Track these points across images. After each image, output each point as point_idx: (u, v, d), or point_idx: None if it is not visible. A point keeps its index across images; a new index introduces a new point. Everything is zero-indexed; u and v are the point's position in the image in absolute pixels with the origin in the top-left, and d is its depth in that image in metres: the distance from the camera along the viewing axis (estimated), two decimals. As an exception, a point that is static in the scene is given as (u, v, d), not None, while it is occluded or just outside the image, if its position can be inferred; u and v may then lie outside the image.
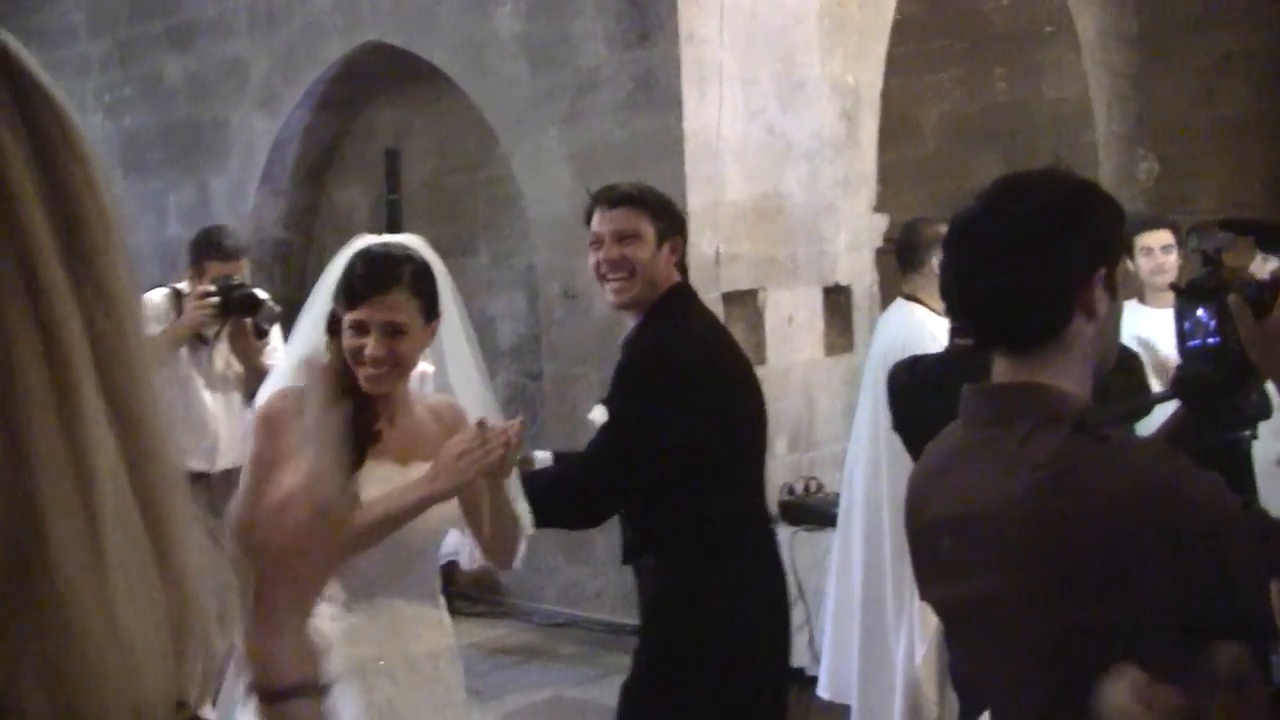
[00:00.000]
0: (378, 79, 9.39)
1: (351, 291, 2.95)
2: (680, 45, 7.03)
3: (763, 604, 3.44)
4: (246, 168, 9.68)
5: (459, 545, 3.43)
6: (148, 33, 10.42)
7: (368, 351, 2.90)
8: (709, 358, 3.42)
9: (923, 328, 5.13)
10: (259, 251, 9.39)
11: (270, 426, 2.73)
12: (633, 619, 6.89)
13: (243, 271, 5.40)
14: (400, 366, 2.97)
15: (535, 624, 7.79)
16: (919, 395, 3.78)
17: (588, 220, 3.59)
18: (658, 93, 7.13)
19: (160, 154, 10.39)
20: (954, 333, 3.77)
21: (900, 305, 5.49)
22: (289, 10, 9.20)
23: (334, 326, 2.98)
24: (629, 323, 3.60)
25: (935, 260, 5.16)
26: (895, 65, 9.02)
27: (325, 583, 1.23)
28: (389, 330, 2.92)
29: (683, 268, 3.61)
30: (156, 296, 5.49)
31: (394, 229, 8.31)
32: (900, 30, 8.90)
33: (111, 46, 10.79)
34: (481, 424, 2.82)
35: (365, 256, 3.03)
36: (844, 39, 7.96)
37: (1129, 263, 5.76)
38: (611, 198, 3.53)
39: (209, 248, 5.46)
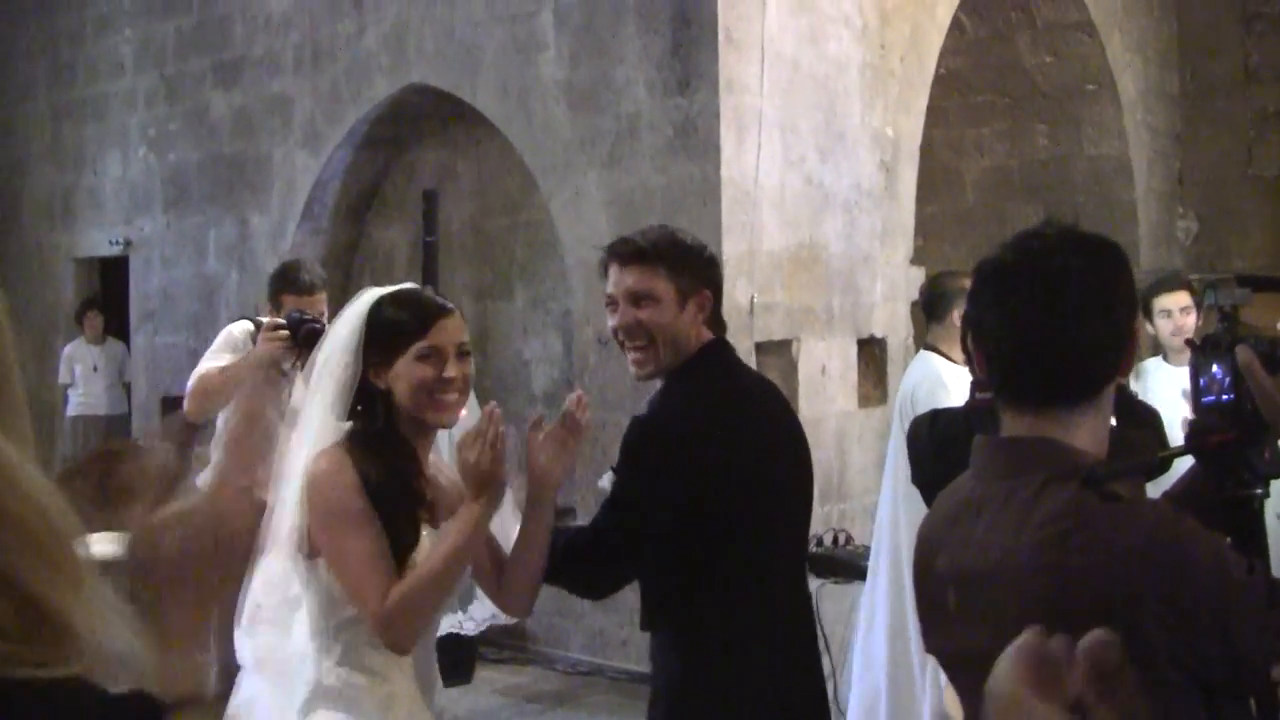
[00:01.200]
0: (420, 120, 9.50)
1: (419, 319, 2.90)
2: (720, 93, 7.10)
3: (787, 678, 3.15)
4: (287, 205, 9.78)
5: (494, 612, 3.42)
6: (195, 69, 10.58)
7: (447, 373, 2.84)
8: (717, 422, 3.08)
9: (937, 377, 5.24)
10: (297, 289, 9.47)
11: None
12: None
13: (319, 306, 5.38)
14: (466, 393, 2.94)
15: (561, 672, 7.78)
16: (940, 450, 3.75)
17: (603, 274, 3.22)
18: (697, 140, 7.18)
19: (202, 189, 10.52)
20: (976, 386, 3.74)
21: (920, 356, 5.63)
22: (335, 50, 9.31)
23: (364, 393, 2.89)
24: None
25: (957, 313, 5.20)
26: (937, 118, 9.08)
27: (217, 600, 1.24)
28: (461, 352, 2.92)
29: (718, 320, 3.20)
30: (237, 329, 5.51)
31: (430, 270, 8.40)
32: (943, 84, 8.95)
33: (158, 81, 10.95)
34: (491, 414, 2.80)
35: (404, 295, 3.00)
36: (885, 91, 8.01)
37: (1147, 324, 5.83)
38: (624, 253, 3.14)
39: (285, 281, 5.48)
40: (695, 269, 3.12)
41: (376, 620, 2.70)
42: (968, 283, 5.33)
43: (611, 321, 3.17)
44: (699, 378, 3.11)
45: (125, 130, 11.30)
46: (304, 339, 5.03)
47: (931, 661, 5.13)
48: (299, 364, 5.26)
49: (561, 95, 7.82)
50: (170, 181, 10.84)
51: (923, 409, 5.07)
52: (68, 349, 11.62)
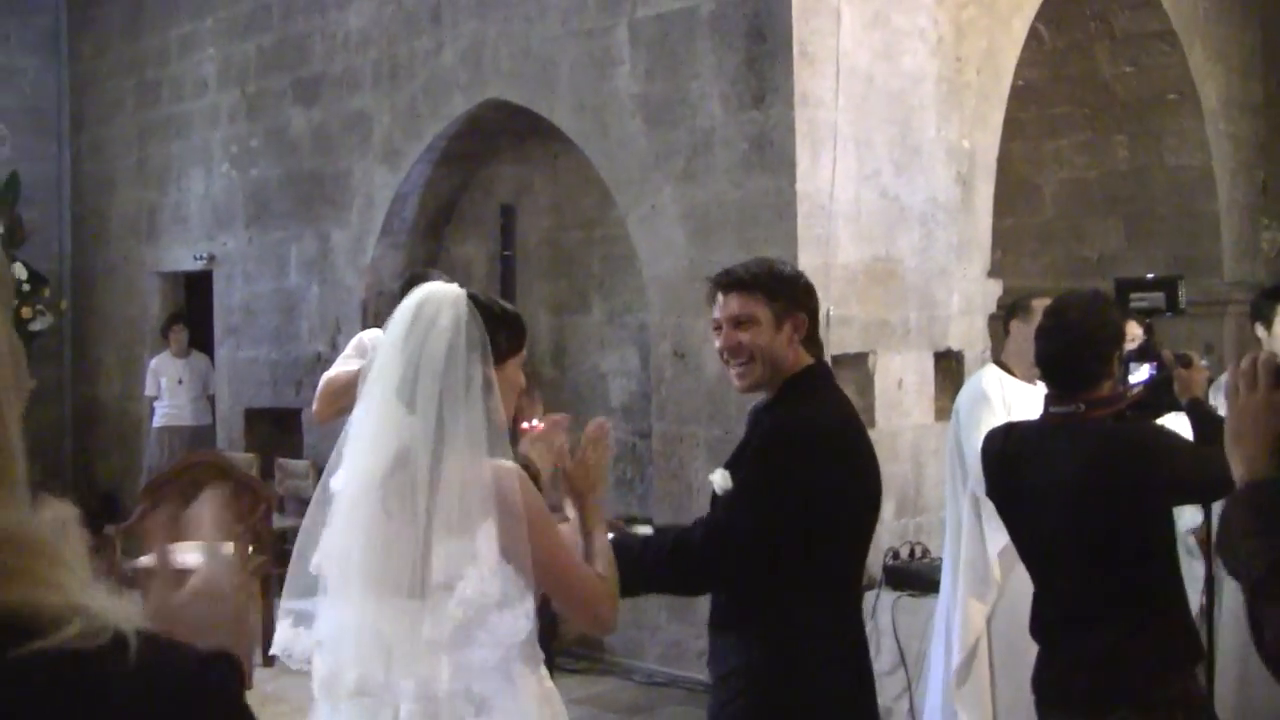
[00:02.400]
0: (498, 136, 9.62)
1: (522, 329, 3.16)
2: (795, 107, 7.16)
3: (848, 679, 3.42)
4: (367, 220, 9.95)
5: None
6: (275, 86, 10.79)
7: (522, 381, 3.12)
8: (844, 440, 3.41)
9: (981, 393, 5.39)
10: (376, 304, 9.63)
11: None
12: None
13: None
14: None
15: (637, 683, 7.84)
16: (1014, 463, 3.84)
17: (709, 301, 3.57)
18: (772, 154, 7.25)
19: (283, 205, 10.73)
20: (1051, 400, 3.79)
21: (979, 371, 5.83)
22: (413, 66, 9.47)
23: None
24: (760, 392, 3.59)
25: (1015, 323, 5.45)
26: (1015, 130, 9.07)
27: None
28: None
29: (815, 343, 3.54)
30: (367, 336, 5.74)
31: (508, 285, 8.52)
32: (1020, 95, 8.95)
33: (240, 99, 11.19)
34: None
35: (503, 307, 3.18)
36: (961, 103, 8.03)
37: (1261, 330, 5.80)
38: (725, 283, 3.50)
39: (412, 290, 5.64)
40: (791, 294, 3.48)
41: (594, 606, 2.95)
42: (1033, 299, 5.45)
43: (718, 343, 3.52)
44: (810, 392, 3.45)
45: (208, 147, 11.54)
46: None
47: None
48: None
49: (637, 110, 7.92)
50: (252, 197, 11.05)
51: (965, 423, 5.36)
52: (153, 362, 11.86)
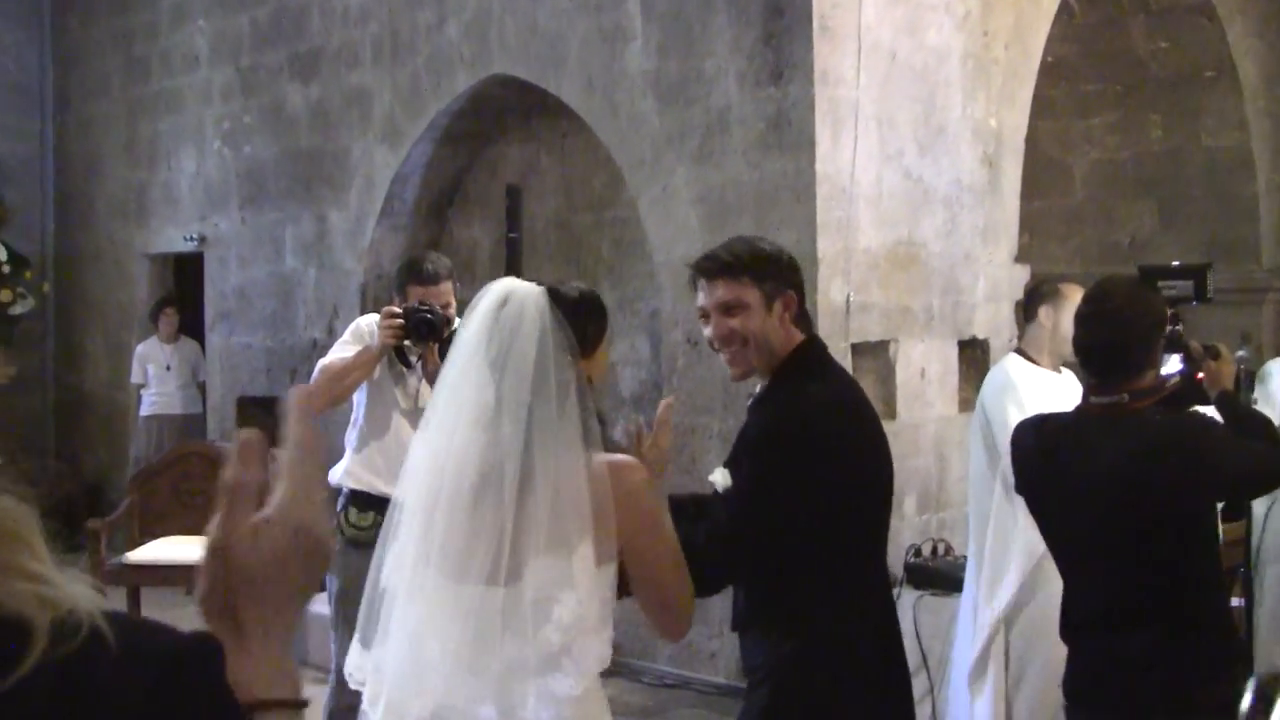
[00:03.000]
0: (503, 114, 9.61)
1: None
2: (815, 85, 7.13)
3: (878, 679, 3.44)
4: (366, 201, 9.94)
5: None
6: (270, 62, 10.78)
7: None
8: (845, 425, 3.40)
9: (1006, 383, 5.37)
10: (376, 289, 9.62)
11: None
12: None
13: (445, 296, 5.59)
14: None
15: (646, 685, 7.85)
16: (1049, 456, 3.81)
17: (693, 289, 3.56)
18: (790, 134, 7.23)
19: (279, 185, 10.73)
20: (1090, 390, 3.77)
21: (1001, 361, 5.78)
22: (414, 41, 9.45)
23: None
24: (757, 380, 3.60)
25: (1043, 312, 5.41)
26: (1043, 109, 9.03)
27: (299, 607, 1.29)
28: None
29: (804, 317, 3.55)
30: (364, 322, 5.75)
31: (514, 269, 8.52)
32: (1050, 72, 8.91)
33: (233, 75, 11.18)
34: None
35: (586, 292, 3.28)
36: (988, 81, 8.01)
37: None
38: (710, 268, 3.48)
39: (410, 273, 5.70)
40: (777, 273, 3.49)
41: (681, 614, 3.01)
42: (1064, 285, 5.42)
43: (707, 332, 3.52)
44: (806, 373, 3.46)
45: (200, 125, 11.54)
46: (414, 327, 5.29)
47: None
48: (422, 357, 5.49)
49: (649, 88, 7.90)
50: (246, 177, 11.05)
51: (992, 415, 5.34)
52: (140, 348, 11.85)
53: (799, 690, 3.34)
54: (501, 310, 2.88)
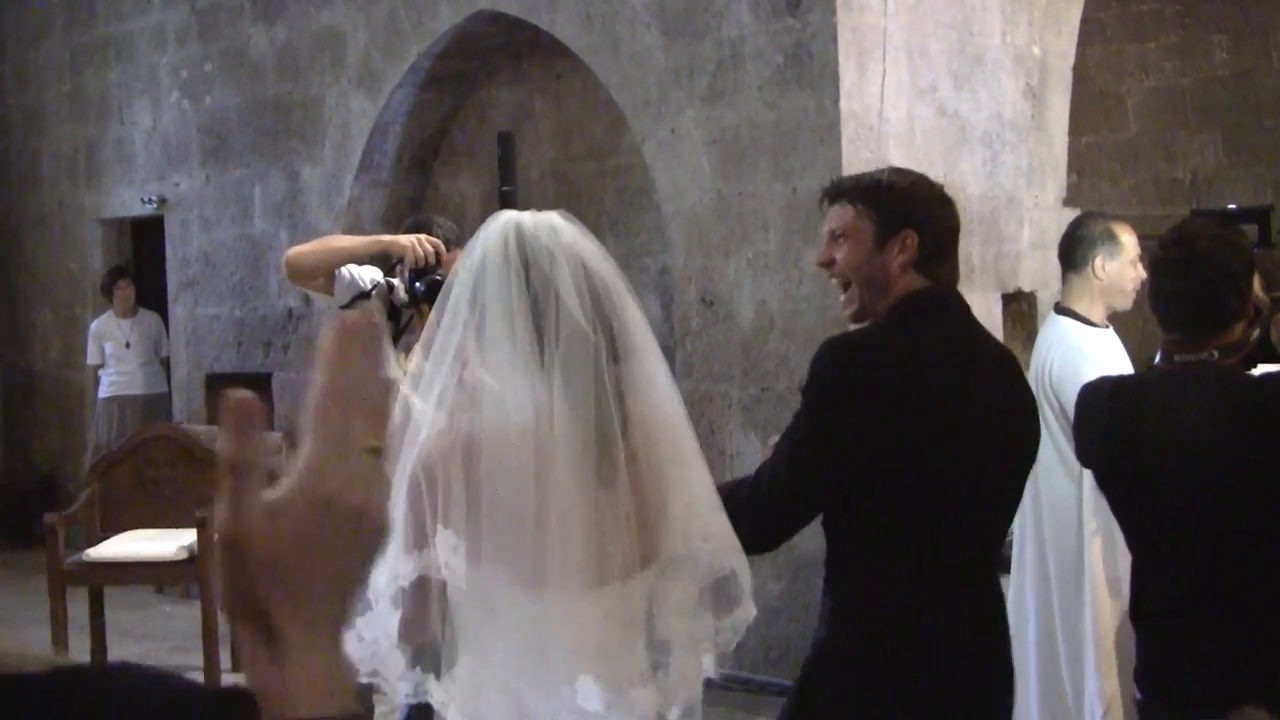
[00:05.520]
0: (492, 54, 9.65)
1: None
2: (837, 12, 7.15)
3: (941, 678, 3.26)
4: (342, 155, 10.03)
5: None
6: (231, 1, 10.80)
7: None
8: (897, 374, 3.24)
9: (1076, 347, 5.22)
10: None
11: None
12: (776, 678, 7.04)
13: (450, 267, 5.63)
14: None
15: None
16: (1126, 424, 3.74)
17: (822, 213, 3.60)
18: (811, 67, 7.27)
19: (245, 139, 10.80)
20: (1174, 347, 3.72)
21: (1050, 321, 5.53)
22: (391, -26, 9.52)
23: None
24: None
25: (1099, 261, 5.25)
26: (1093, 33, 9.03)
27: (346, 599, 1.17)
28: None
29: (938, 264, 3.40)
30: (345, 270, 5.78)
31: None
32: (1098, -8, 8.90)
33: (189, 16, 11.23)
34: None
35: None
36: (1030, 4, 8.04)
37: None
38: (829, 191, 3.50)
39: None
40: (895, 206, 3.39)
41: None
42: (1116, 227, 5.34)
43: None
44: (905, 323, 3.35)
45: (154, 74, 11.57)
46: (427, 288, 5.33)
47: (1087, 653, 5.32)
48: (410, 321, 5.55)
49: (653, 20, 7.94)
50: (208, 131, 11.10)
51: (1066, 385, 4.99)
52: (95, 325, 11.90)
53: (818, 690, 3.32)
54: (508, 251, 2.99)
